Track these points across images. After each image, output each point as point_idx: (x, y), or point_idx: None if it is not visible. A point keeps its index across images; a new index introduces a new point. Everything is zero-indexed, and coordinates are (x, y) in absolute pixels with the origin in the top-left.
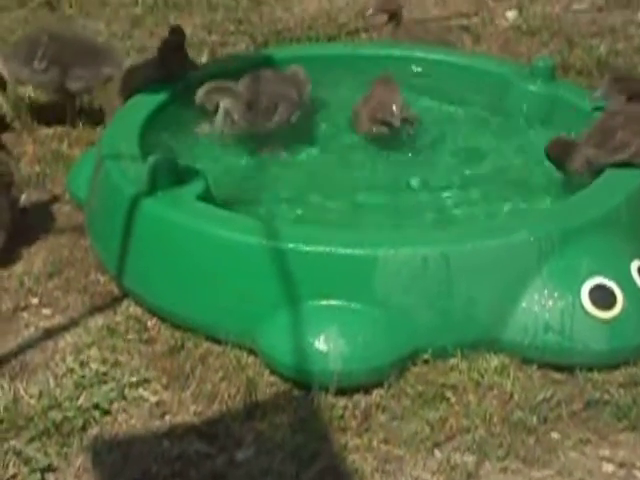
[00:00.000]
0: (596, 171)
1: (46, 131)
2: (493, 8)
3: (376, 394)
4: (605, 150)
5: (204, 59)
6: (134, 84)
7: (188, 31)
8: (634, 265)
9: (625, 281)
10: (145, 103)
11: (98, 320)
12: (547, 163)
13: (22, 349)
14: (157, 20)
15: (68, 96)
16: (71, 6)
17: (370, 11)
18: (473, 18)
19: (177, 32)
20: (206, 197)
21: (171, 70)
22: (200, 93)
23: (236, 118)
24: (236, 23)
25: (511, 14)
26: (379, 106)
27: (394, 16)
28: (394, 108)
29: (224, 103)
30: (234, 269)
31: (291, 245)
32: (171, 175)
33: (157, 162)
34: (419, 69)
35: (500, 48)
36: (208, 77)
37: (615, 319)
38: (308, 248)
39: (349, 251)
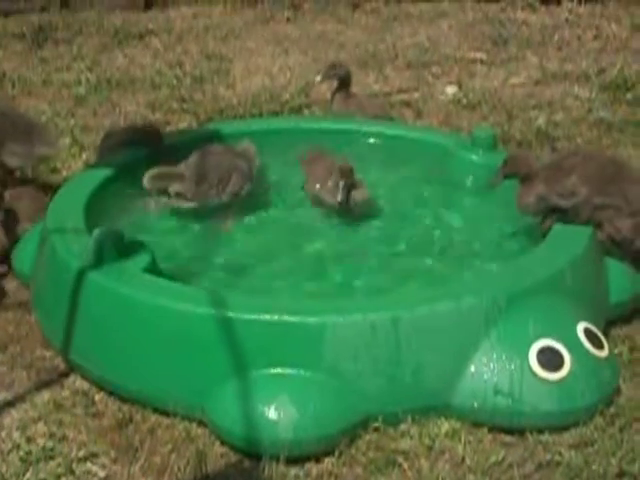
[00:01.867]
0: (548, 210)
1: None
2: (433, 84)
3: (327, 462)
4: (555, 192)
5: None
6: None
7: (132, 109)
8: (580, 327)
9: (572, 343)
10: (90, 178)
11: (44, 395)
12: (489, 230)
13: None
14: (100, 99)
15: (4, 170)
16: (14, 86)
17: (319, 78)
18: (414, 94)
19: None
20: (152, 269)
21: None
22: (146, 179)
23: (189, 197)
24: (180, 101)
25: (450, 89)
26: (319, 184)
27: (344, 82)
28: (340, 185)
29: (173, 189)
30: (182, 340)
31: (239, 314)
32: (117, 248)
33: (102, 235)
34: (363, 141)
35: (441, 122)
36: (154, 153)
37: (563, 380)
38: (256, 317)
39: (297, 319)
